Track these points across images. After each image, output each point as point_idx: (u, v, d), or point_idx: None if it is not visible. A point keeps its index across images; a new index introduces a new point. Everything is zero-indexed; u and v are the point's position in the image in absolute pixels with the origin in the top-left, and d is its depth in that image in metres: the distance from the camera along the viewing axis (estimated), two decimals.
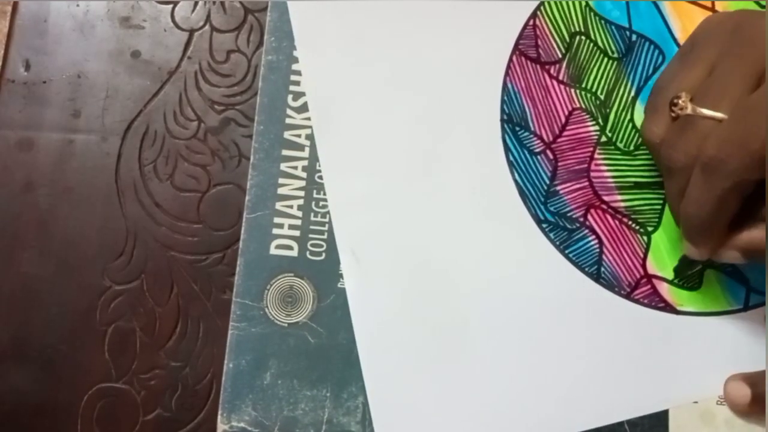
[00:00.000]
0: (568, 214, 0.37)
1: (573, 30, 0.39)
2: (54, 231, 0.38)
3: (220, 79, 0.40)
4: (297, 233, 0.37)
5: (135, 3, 0.40)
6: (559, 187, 0.37)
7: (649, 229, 0.37)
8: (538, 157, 0.38)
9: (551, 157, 0.38)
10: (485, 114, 0.38)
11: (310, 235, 0.37)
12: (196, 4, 0.41)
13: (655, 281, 0.36)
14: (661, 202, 0.37)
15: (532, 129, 0.38)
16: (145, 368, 0.36)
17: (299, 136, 0.38)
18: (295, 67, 0.39)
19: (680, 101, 0.31)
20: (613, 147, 0.38)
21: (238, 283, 0.36)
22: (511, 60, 0.39)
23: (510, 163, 0.37)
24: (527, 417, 0.35)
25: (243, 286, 0.36)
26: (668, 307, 0.36)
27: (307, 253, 0.37)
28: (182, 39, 0.40)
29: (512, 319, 0.36)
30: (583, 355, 0.36)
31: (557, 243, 0.37)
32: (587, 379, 0.35)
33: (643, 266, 0.37)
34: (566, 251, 0.36)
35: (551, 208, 0.37)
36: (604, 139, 0.38)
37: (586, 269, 0.36)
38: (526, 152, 0.38)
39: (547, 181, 0.37)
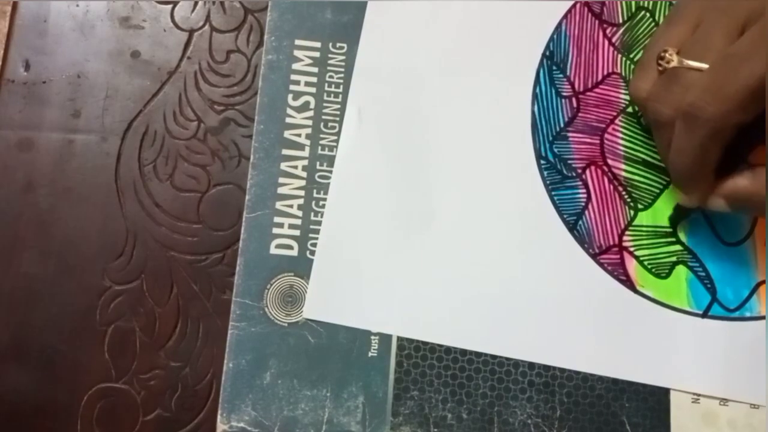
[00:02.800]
0: (569, 161, 0.38)
1: (641, 3, 0.40)
2: (54, 231, 0.38)
3: (220, 79, 0.40)
4: (297, 233, 0.37)
5: (135, 3, 0.41)
6: (570, 134, 0.38)
7: (639, 206, 0.37)
8: (563, 100, 0.38)
9: (575, 105, 0.38)
10: (529, 43, 0.39)
11: (310, 235, 0.37)
12: (195, 4, 0.41)
13: (625, 254, 0.37)
14: (660, 187, 0.38)
15: (568, 74, 0.39)
16: (145, 368, 0.36)
17: (299, 135, 0.38)
18: (295, 66, 0.39)
19: (667, 54, 0.33)
20: (636, 120, 0.38)
21: (238, 282, 0.36)
22: (574, 6, 0.40)
23: (534, 95, 0.38)
24: (471, 318, 0.36)
25: (243, 285, 0.36)
26: (629, 283, 0.37)
27: (307, 252, 0.37)
28: (182, 39, 0.40)
29: (479, 227, 0.37)
30: (538, 293, 0.36)
31: (547, 182, 0.37)
32: (537, 316, 0.36)
33: (620, 237, 0.37)
34: (552, 193, 0.37)
35: (555, 149, 0.38)
36: (630, 110, 0.39)
37: (565, 216, 0.37)
38: (553, 91, 0.39)
39: (562, 125, 0.38)
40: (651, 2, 0.40)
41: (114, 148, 0.39)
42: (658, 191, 0.38)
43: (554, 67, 0.39)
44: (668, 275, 0.37)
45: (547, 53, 0.39)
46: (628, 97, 0.39)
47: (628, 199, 0.37)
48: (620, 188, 0.38)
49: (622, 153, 0.38)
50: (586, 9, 0.40)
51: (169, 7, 0.41)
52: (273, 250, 0.37)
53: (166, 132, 0.39)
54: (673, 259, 0.37)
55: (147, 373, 0.36)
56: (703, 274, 0.37)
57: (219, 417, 0.35)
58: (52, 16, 0.40)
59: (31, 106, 0.39)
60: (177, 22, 0.40)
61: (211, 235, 0.38)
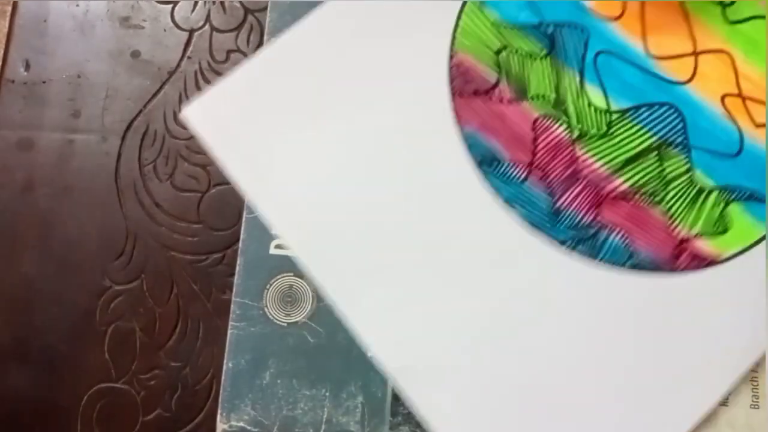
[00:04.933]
0: (583, 222, 0.36)
1: (494, 49, 0.38)
2: (54, 231, 0.38)
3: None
4: None
5: (135, 3, 0.41)
6: (561, 201, 0.36)
7: (661, 196, 0.36)
8: (527, 182, 0.37)
9: (539, 176, 0.37)
10: (457, 168, 0.37)
11: None
12: (196, 4, 0.41)
13: (689, 243, 0.35)
14: (657, 165, 0.36)
15: (508, 159, 0.37)
16: (145, 368, 0.36)
17: None
18: None
19: None
20: (587, 137, 0.37)
21: (238, 282, 0.36)
22: (453, 105, 0.38)
23: (506, 202, 0.36)
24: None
25: (243, 285, 0.36)
26: (713, 262, 0.35)
27: None
28: (182, 39, 0.40)
29: (570, 344, 0.35)
30: (641, 348, 0.35)
31: (586, 255, 0.35)
32: (657, 378, 0.34)
33: (673, 235, 0.36)
34: (597, 257, 0.35)
35: (565, 225, 0.36)
36: (576, 134, 0.37)
37: (624, 265, 0.35)
38: (514, 184, 0.36)
39: (549, 201, 0.36)
40: (497, 40, 0.38)
41: (114, 148, 0.39)
42: (659, 170, 0.36)
43: (494, 165, 0.37)
44: (728, 226, 0.36)
45: (478, 161, 0.37)
46: (565, 126, 0.37)
47: (649, 199, 0.36)
48: (635, 198, 0.36)
49: (607, 172, 0.37)
50: (464, 98, 0.38)
51: (169, 6, 0.41)
52: (273, 250, 0.37)
53: (166, 132, 0.39)
54: (721, 205, 0.36)
55: (147, 373, 0.36)
56: (748, 194, 0.36)
57: (219, 417, 0.35)
58: (52, 16, 0.40)
59: (31, 106, 0.39)
60: (177, 21, 0.40)
61: (211, 235, 0.38)
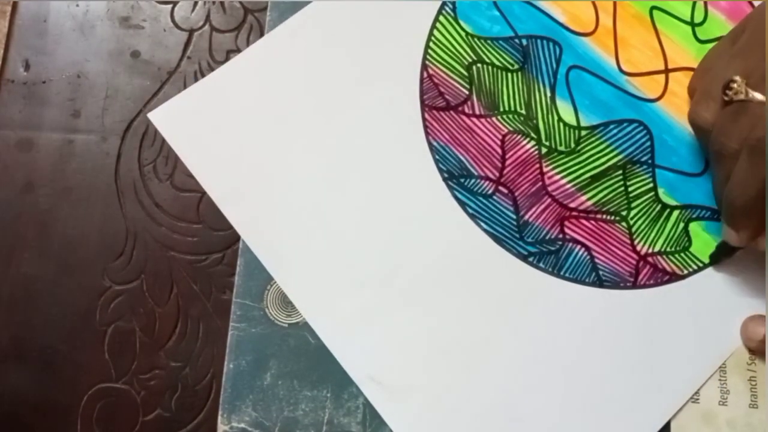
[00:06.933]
0: (547, 237, 0.36)
1: (466, 62, 0.38)
2: (54, 231, 0.38)
3: None
4: None
5: (135, 3, 0.40)
6: (526, 216, 0.37)
7: (623, 213, 0.37)
8: (494, 197, 0.37)
9: (506, 191, 0.37)
10: (426, 181, 0.37)
11: None
12: (195, 4, 0.41)
13: (650, 259, 0.36)
14: (621, 184, 0.37)
15: (476, 174, 0.37)
16: (145, 368, 0.36)
17: None
18: None
19: (735, 86, 0.31)
20: (556, 153, 0.37)
21: (239, 283, 0.36)
22: (424, 118, 0.38)
23: (472, 216, 0.37)
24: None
25: (243, 286, 0.36)
26: (674, 276, 0.36)
27: None
28: (182, 39, 0.40)
29: (534, 351, 0.35)
30: (605, 362, 0.35)
31: (549, 270, 0.36)
32: (622, 386, 0.35)
33: (635, 251, 0.36)
34: (561, 273, 0.36)
35: (529, 240, 0.36)
36: (544, 150, 0.37)
37: (586, 281, 0.36)
38: (481, 199, 0.37)
39: (514, 216, 0.37)
40: (470, 53, 0.38)
41: (114, 148, 0.39)
42: (623, 188, 0.37)
43: (462, 180, 0.37)
44: (690, 242, 0.36)
45: (445, 175, 0.37)
46: (534, 142, 0.37)
47: (612, 217, 0.37)
48: (599, 216, 0.37)
49: (573, 188, 0.37)
50: (434, 111, 0.38)
51: (169, 6, 0.41)
52: None
53: None
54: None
55: (147, 373, 0.36)
56: (712, 214, 0.36)
57: (219, 417, 0.35)
58: (52, 16, 0.40)
59: (31, 106, 0.39)
60: (177, 21, 0.40)
61: (211, 235, 0.38)
